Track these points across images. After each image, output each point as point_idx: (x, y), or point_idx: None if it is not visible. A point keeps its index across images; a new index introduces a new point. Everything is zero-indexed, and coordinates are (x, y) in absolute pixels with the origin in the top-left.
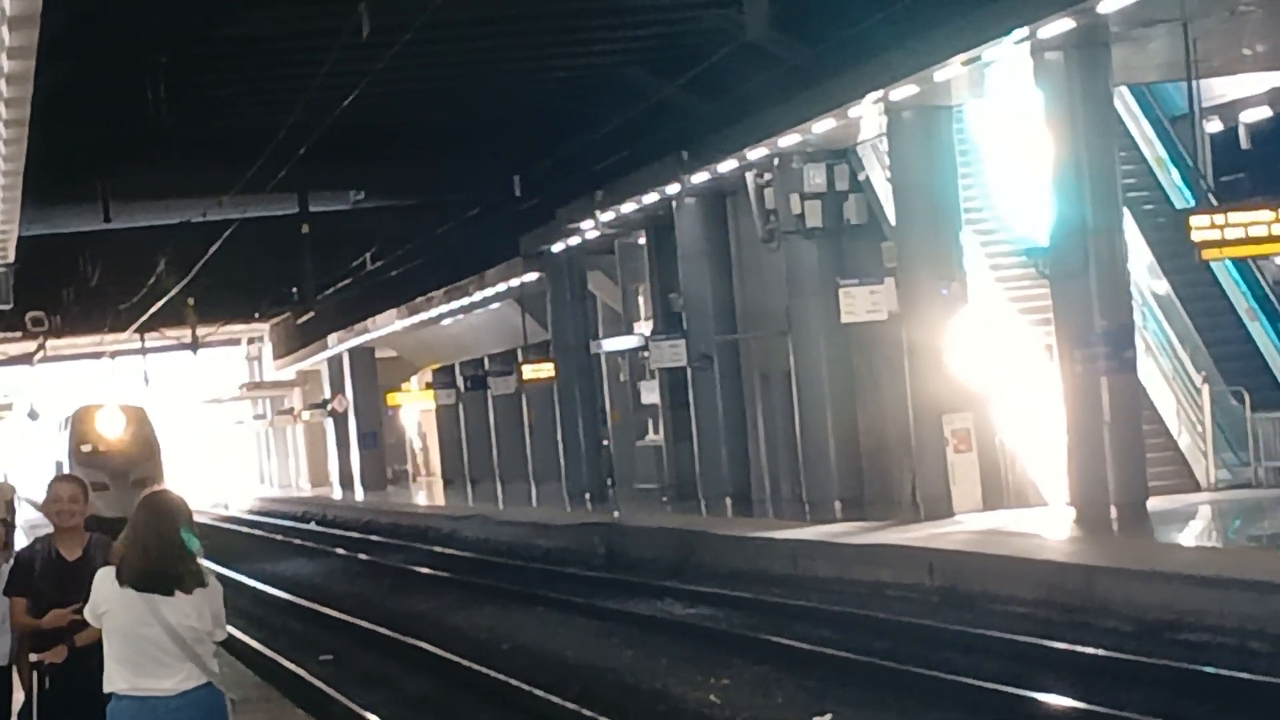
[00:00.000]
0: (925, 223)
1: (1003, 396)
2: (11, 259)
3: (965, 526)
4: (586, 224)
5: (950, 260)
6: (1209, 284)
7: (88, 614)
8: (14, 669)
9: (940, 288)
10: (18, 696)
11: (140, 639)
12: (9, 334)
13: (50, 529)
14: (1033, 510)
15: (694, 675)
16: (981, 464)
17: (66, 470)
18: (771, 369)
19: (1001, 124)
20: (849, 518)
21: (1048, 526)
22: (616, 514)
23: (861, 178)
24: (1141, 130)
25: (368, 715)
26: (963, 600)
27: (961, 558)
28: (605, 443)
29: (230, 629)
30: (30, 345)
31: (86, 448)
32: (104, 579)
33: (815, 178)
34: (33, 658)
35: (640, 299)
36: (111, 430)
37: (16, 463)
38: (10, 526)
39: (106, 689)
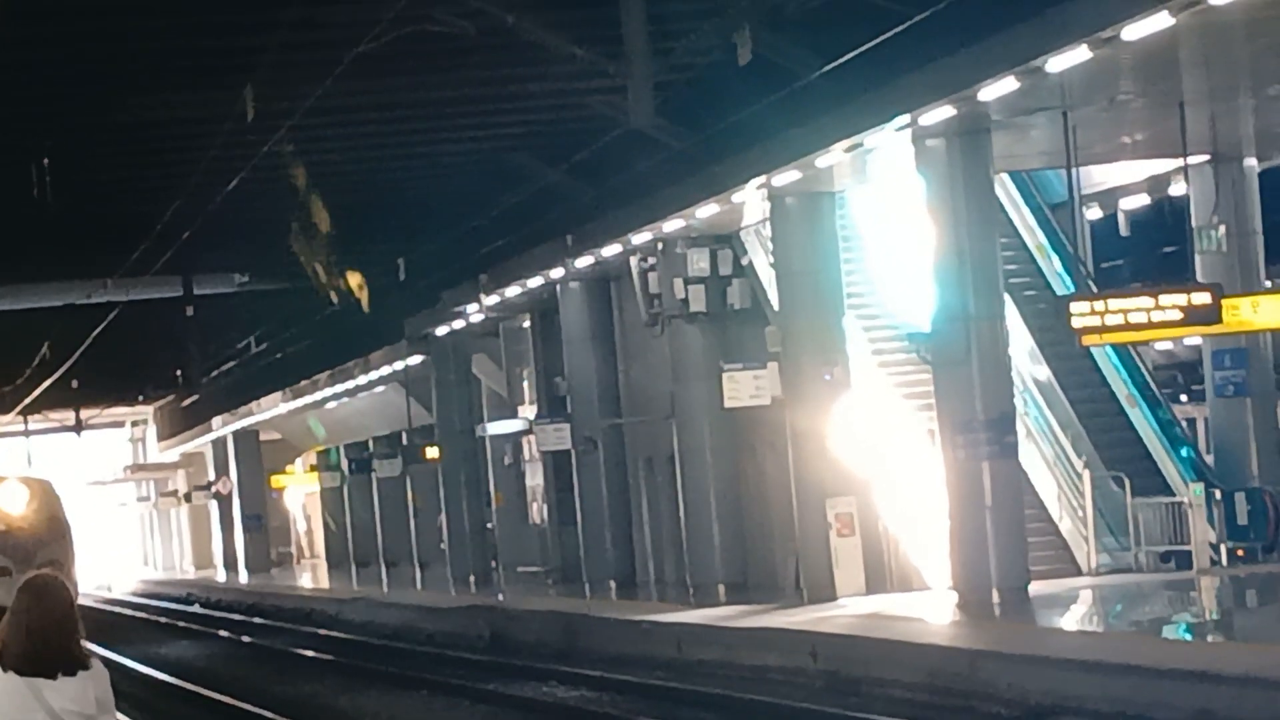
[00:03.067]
0: (808, 307)
1: (886, 481)
2: None
3: (848, 610)
4: (471, 307)
5: (833, 345)
6: (1090, 370)
7: None
8: None
9: (824, 373)
10: None
11: None
12: None
13: None
14: (916, 594)
15: None
16: (865, 548)
17: None
18: (656, 453)
19: (884, 210)
20: (733, 601)
21: (931, 610)
22: (501, 597)
23: (745, 262)
24: (1023, 217)
25: None
26: (846, 684)
27: (845, 642)
28: (490, 525)
29: (118, 715)
30: None
31: None
32: None
33: (699, 262)
34: None
35: (525, 382)
36: (12, 506)
37: None
38: None
39: None
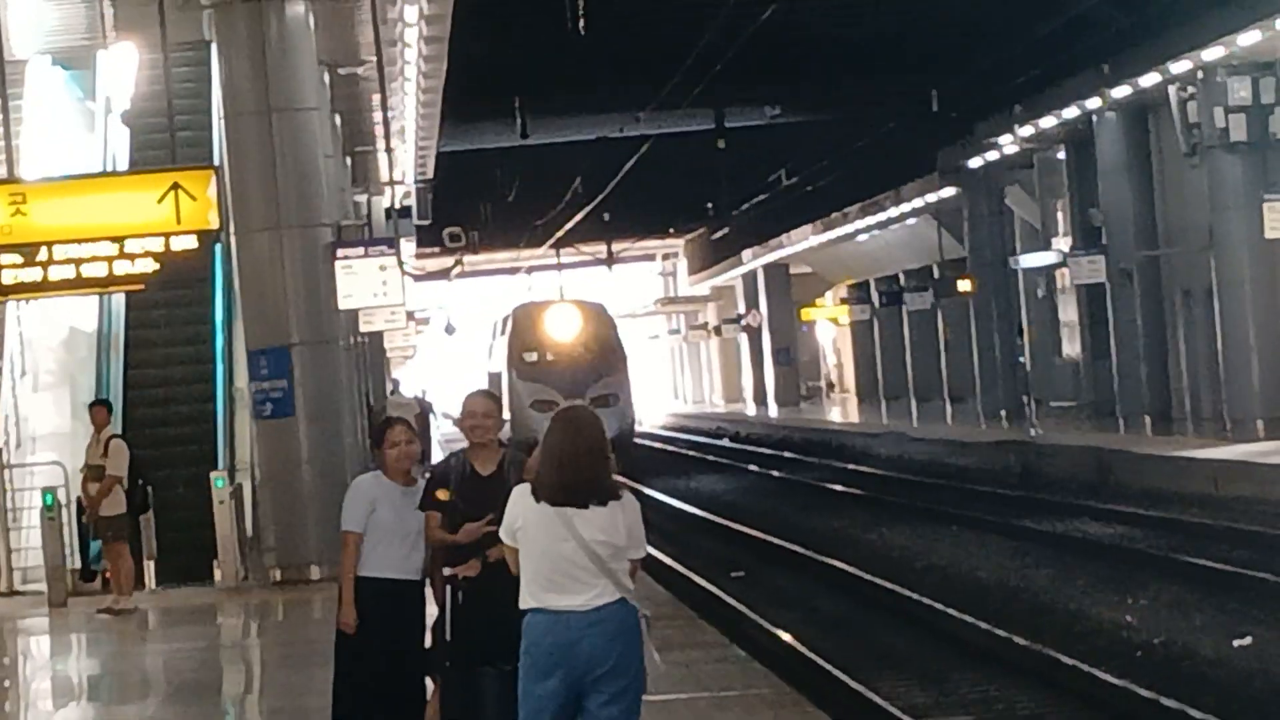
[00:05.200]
0: None
1: None
2: (430, 175)
3: None
4: (1005, 139)
5: None
6: None
7: (503, 531)
8: (428, 583)
9: None
10: (431, 610)
11: (556, 555)
12: (427, 250)
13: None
14: None
15: (1110, 596)
16: None
17: (510, 385)
18: (1193, 285)
19: None
20: (1272, 436)
21: None
22: (1034, 431)
23: None
24: None
25: (780, 633)
26: None
27: None
28: (1022, 359)
29: (648, 547)
30: (448, 261)
31: (531, 356)
32: (519, 496)
33: (1240, 91)
34: (446, 572)
35: (1059, 215)
36: (563, 332)
37: (436, 378)
38: (423, 442)
39: (522, 605)
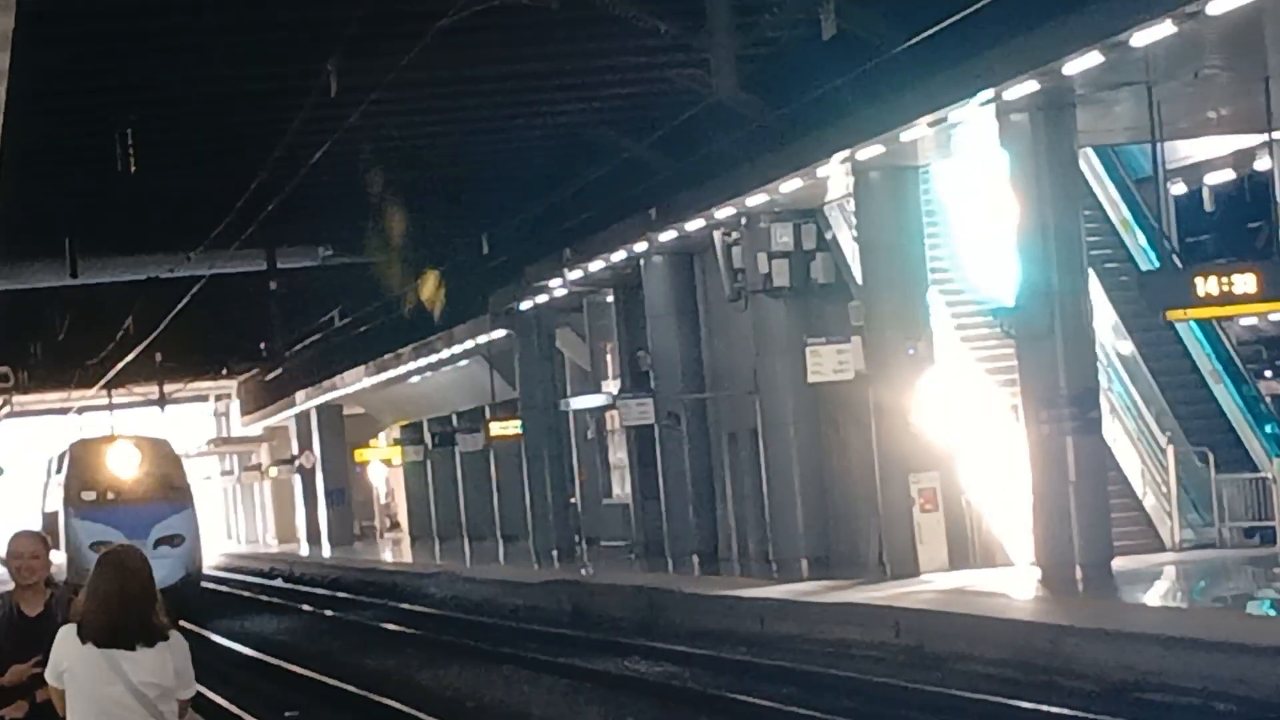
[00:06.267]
0: (892, 282)
1: (969, 456)
2: None
3: (932, 585)
4: (554, 282)
5: (917, 320)
6: (1174, 344)
7: (48, 674)
8: None
9: (907, 347)
10: None
11: (102, 697)
12: None
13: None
14: (999, 570)
15: None
16: (948, 523)
17: (67, 524)
18: (739, 428)
19: (968, 184)
20: (816, 576)
21: (1014, 586)
22: (584, 571)
23: (829, 237)
24: (1106, 192)
25: None
26: (930, 660)
27: (928, 617)
28: (572, 500)
29: (198, 686)
30: None
31: (90, 494)
32: (65, 636)
33: (782, 237)
34: None
35: (608, 357)
36: (126, 469)
37: None
38: None
39: None
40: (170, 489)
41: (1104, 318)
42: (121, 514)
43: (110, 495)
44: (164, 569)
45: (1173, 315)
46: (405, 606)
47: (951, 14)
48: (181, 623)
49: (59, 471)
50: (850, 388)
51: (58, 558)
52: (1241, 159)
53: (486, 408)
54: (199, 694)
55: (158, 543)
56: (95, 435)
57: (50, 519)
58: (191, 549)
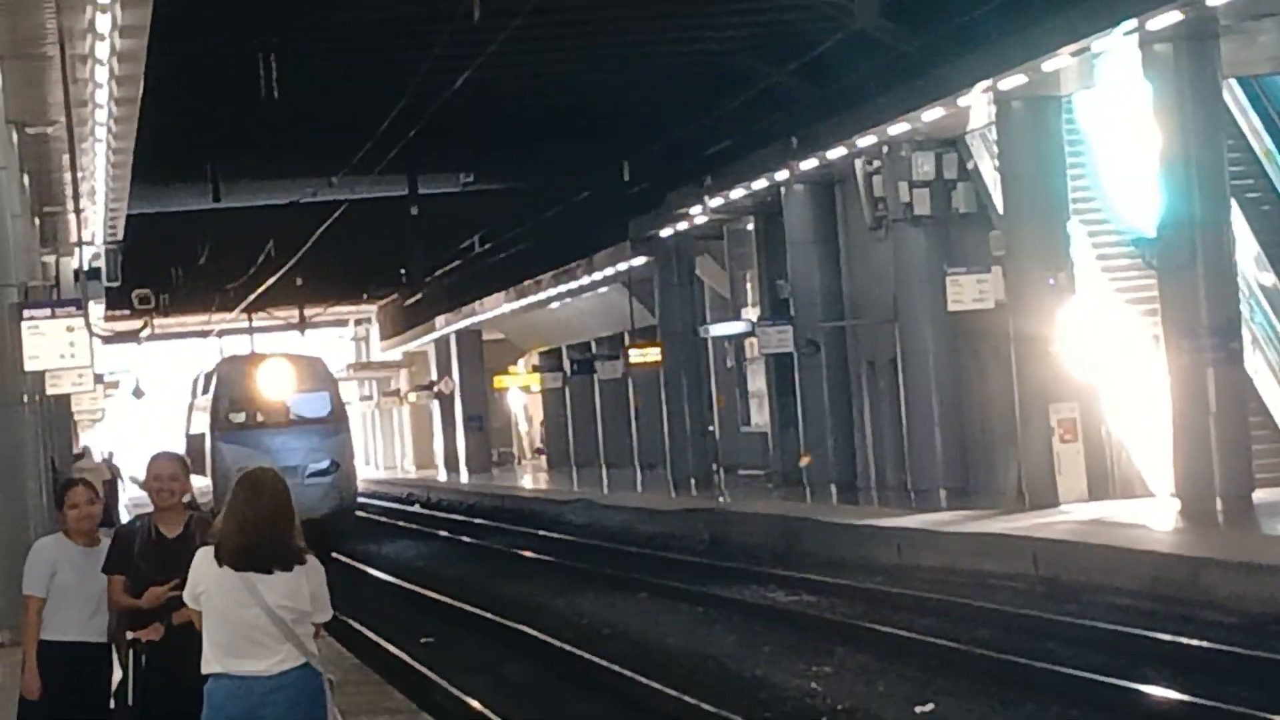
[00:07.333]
0: (1033, 212)
1: (1109, 386)
2: (120, 237)
3: (1070, 516)
4: (695, 209)
5: (1058, 250)
6: None
7: (186, 595)
8: (113, 647)
9: (1047, 277)
10: (116, 674)
11: (238, 620)
12: (116, 312)
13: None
14: (1138, 501)
15: (796, 663)
16: (1087, 454)
17: (214, 450)
18: (878, 356)
19: (1110, 115)
20: (954, 506)
21: (1153, 517)
22: (721, 499)
23: (970, 166)
24: (1250, 123)
25: (467, 699)
26: (1066, 591)
27: (1066, 548)
28: (711, 428)
29: (333, 611)
30: (137, 323)
31: (239, 417)
32: (202, 559)
33: (924, 166)
34: (130, 636)
35: (748, 285)
36: (278, 390)
37: (124, 441)
38: (109, 504)
39: (204, 670)
40: (325, 412)
41: (1246, 248)
42: (272, 438)
43: (260, 418)
44: (317, 497)
45: None
46: (541, 533)
47: None
48: (334, 555)
49: (205, 392)
50: (990, 317)
51: (198, 481)
52: None
53: (626, 334)
54: (334, 618)
55: (311, 471)
56: (244, 354)
57: (196, 443)
58: (347, 476)
